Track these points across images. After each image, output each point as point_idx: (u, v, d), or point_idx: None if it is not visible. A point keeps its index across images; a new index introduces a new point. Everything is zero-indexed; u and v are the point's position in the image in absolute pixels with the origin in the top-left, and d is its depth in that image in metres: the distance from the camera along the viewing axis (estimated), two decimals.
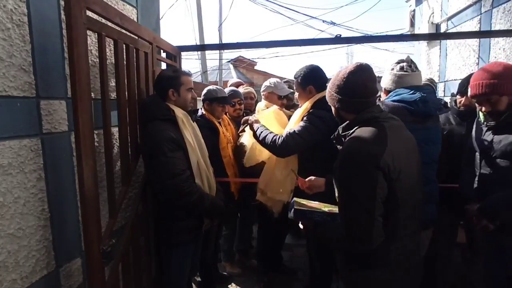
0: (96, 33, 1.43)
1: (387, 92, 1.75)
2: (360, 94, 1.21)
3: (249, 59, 14.40)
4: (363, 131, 1.18)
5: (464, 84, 1.99)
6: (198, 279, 2.62)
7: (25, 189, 1.23)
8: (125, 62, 1.61)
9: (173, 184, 1.57)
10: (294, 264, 3.07)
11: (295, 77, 2.06)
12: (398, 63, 1.72)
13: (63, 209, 1.41)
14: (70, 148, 1.44)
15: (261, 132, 2.03)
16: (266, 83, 2.66)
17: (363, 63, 1.25)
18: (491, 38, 3.24)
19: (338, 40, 2.30)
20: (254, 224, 3.34)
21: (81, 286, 1.52)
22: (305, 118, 1.92)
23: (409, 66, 1.65)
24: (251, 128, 2.15)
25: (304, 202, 1.43)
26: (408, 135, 1.27)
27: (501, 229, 1.56)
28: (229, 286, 2.75)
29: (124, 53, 1.60)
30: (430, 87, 2.08)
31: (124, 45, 1.58)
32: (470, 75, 2.20)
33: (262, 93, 2.65)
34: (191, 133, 1.72)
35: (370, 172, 1.09)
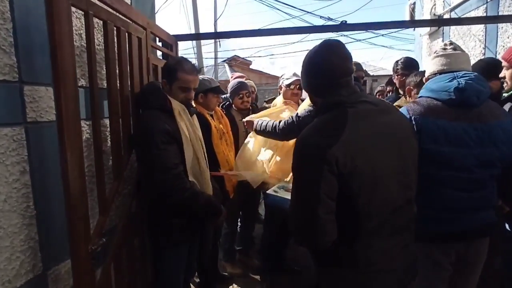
0: (82, 12, 1.30)
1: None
2: (326, 74, 1.08)
3: (243, 58, 14.38)
4: (320, 119, 1.08)
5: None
6: (197, 280, 2.51)
7: (6, 183, 1.11)
8: (116, 47, 1.49)
9: (164, 179, 1.45)
10: (297, 264, 2.98)
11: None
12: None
13: (51, 206, 1.29)
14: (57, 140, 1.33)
15: (260, 124, 2.07)
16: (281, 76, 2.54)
17: (331, 39, 1.12)
18: (498, 27, 3.13)
19: (343, 26, 2.19)
20: (255, 222, 3.26)
21: None
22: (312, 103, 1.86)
23: (451, 44, 1.47)
24: (250, 128, 2.17)
25: (288, 186, 1.39)
26: (387, 122, 1.08)
27: None
28: (231, 287, 2.65)
29: (115, 37, 1.48)
30: None
31: (114, 28, 1.46)
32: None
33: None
34: (188, 126, 1.61)
35: (315, 165, 0.98)
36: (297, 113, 1.97)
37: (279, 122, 2.00)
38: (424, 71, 1.87)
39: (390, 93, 2.87)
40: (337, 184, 0.99)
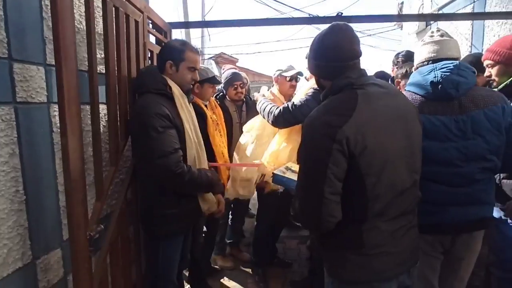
0: None
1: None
2: (335, 57, 1.09)
3: (230, 56, 14.29)
4: (330, 100, 1.10)
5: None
6: (187, 273, 2.47)
7: None
8: (114, 29, 1.43)
9: (163, 164, 1.39)
10: (287, 256, 2.99)
11: (306, 57, 2.01)
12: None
13: (41, 191, 1.22)
14: (49, 122, 1.26)
15: (262, 104, 2.15)
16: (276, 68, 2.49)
17: (339, 23, 1.12)
18: (484, 26, 3.23)
19: (339, 18, 2.19)
20: (245, 215, 3.25)
21: (61, 281, 1.33)
22: (308, 93, 1.91)
23: (438, 31, 1.43)
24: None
25: (294, 169, 1.42)
26: (396, 105, 1.09)
27: None
28: (222, 280, 2.62)
29: (114, 18, 1.42)
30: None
31: (113, 8, 1.40)
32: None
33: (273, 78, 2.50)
34: (187, 114, 1.57)
35: (323, 145, 0.99)
36: (293, 102, 1.97)
37: (276, 108, 2.00)
38: (411, 63, 1.92)
39: None
40: (346, 165, 0.99)
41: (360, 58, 1.13)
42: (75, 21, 1.35)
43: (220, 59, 14.47)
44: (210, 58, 14.25)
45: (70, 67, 1.00)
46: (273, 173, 1.52)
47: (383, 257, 1.08)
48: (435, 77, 1.32)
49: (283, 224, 2.92)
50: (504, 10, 2.95)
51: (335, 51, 1.09)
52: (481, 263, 1.79)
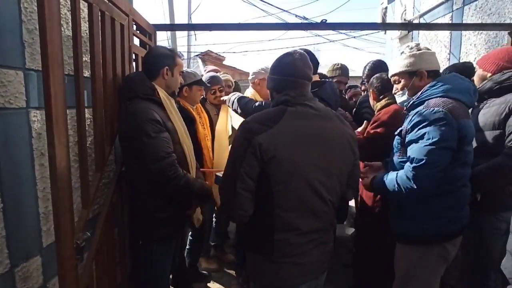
0: None
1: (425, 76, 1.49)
2: (288, 71, 1.22)
3: (217, 54, 14.17)
4: (266, 111, 1.23)
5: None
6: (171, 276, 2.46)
7: None
8: (100, 33, 1.41)
9: (159, 168, 1.42)
10: None
11: None
12: (405, 48, 1.57)
13: (19, 198, 1.20)
14: (28, 128, 1.23)
15: (235, 98, 2.12)
16: (255, 69, 2.40)
17: (299, 51, 1.27)
18: (462, 34, 3.36)
19: (322, 25, 2.24)
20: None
21: None
22: None
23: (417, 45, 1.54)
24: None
25: None
26: (321, 127, 1.19)
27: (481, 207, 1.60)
28: (207, 282, 2.62)
29: (100, 22, 1.40)
30: None
31: (99, 12, 1.38)
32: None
33: (251, 81, 2.45)
34: (176, 117, 1.59)
35: (242, 146, 1.13)
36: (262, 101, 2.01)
37: (255, 102, 2.03)
38: (383, 74, 2.01)
39: (365, 92, 2.97)
40: (258, 168, 1.12)
41: (310, 83, 1.27)
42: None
43: (207, 57, 14.33)
44: (197, 56, 14.10)
45: (58, 74, 0.99)
46: (215, 175, 1.72)
47: (290, 266, 1.19)
48: (474, 86, 1.46)
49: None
50: (480, 21, 3.08)
51: (289, 67, 1.22)
52: (457, 264, 1.87)
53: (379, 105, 2.02)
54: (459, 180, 1.39)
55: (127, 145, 1.52)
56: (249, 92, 2.41)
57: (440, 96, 1.38)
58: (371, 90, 2.06)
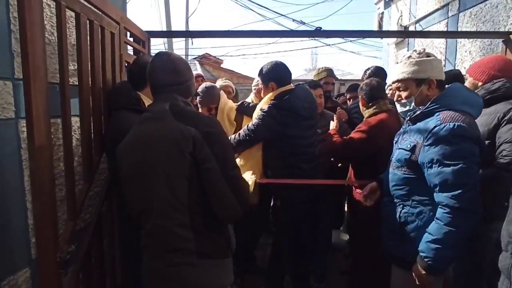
0: (54, 2, 1.21)
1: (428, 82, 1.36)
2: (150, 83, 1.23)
3: (215, 57, 14.18)
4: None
5: None
6: None
7: None
8: (88, 42, 1.40)
9: None
10: (266, 264, 2.98)
11: (258, 75, 2.07)
12: (412, 52, 1.45)
13: (8, 210, 1.19)
14: (17, 138, 1.22)
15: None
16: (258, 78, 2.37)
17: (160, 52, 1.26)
18: (457, 41, 3.37)
19: (317, 33, 2.24)
20: None
21: None
22: (258, 115, 1.94)
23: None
24: None
25: None
26: (151, 130, 1.12)
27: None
28: None
29: (88, 31, 1.39)
30: None
31: (87, 21, 1.37)
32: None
33: (254, 88, 2.43)
34: None
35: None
36: (247, 127, 1.97)
37: (237, 135, 2.01)
38: (373, 80, 1.99)
39: (351, 100, 2.97)
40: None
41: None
42: (47, 33, 1.33)
43: (205, 60, 14.33)
44: (194, 59, 14.11)
45: (40, 85, 0.97)
46: None
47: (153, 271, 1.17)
48: (480, 97, 1.39)
49: (261, 231, 2.93)
50: (475, 28, 3.09)
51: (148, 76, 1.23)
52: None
53: (367, 112, 2.01)
54: None
55: (110, 156, 1.50)
56: (251, 98, 2.42)
57: (451, 109, 1.27)
58: (360, 96, 2.05)
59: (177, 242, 1.09)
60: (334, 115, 2.30)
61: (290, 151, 1.93)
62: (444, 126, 1.22)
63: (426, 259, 1.24)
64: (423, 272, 1.26)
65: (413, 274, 1.30)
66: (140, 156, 1.11)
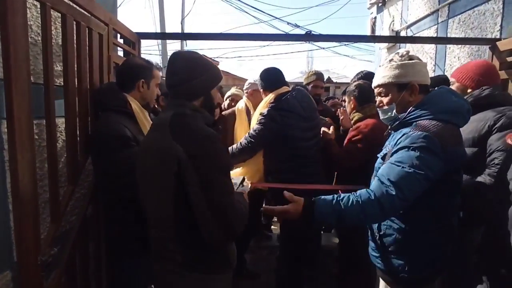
0: (39, 3, 1.20)
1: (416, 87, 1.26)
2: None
3: (211, 58, 14.21)
4: None
5: None
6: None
7: None
8: (75, 43, 1.39)
9: (125, 183, 1.35)
10: (256, 267, 2.98)
11: (259, 85, 2.10)
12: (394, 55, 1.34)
13: None
14: (0, 140, 1.21)
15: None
16: (250, 80, 2.43)
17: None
18: (447, 47, 3.43)
19: (308, 37, 2.26)
20: None
21: None
22: (258, 120, 1.96)
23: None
24: None
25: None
26: (151, 139, 1.14)
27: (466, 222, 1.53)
28: None
29: (75, 32, 1.38)
30: None
31: (74, 22, 1.36)
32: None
33: (244, 91, 2.45)
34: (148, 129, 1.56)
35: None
36: (249, 133, 1.98)
37: (240, 143, 2.02)
38: (361, 81, 1.97)
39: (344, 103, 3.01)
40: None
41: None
42: (34, 33, 1.32)
43: None
44: None
45: (21, 87, 0.97)
46: None
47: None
48: (469, 104, 1.26)
49: (252, 234, 2.92)
50: (463, 34, 3.14)
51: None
52: None
53: (356, 115, 1.99)
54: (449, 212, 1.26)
55: (96, 159, 1.48)
56: (243, 102, 2.43)
57: (429, 119, 1.19)
58: (351, 97, 2.01)
59: (166, 252, 1.13)
60: (326, 120, 2.33)
61: (291, 153, 1.93)
62: (412, 134, 1.15)
63: (317, 203, 1.14)
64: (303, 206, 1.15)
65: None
66: (141, 164, 1.17)
